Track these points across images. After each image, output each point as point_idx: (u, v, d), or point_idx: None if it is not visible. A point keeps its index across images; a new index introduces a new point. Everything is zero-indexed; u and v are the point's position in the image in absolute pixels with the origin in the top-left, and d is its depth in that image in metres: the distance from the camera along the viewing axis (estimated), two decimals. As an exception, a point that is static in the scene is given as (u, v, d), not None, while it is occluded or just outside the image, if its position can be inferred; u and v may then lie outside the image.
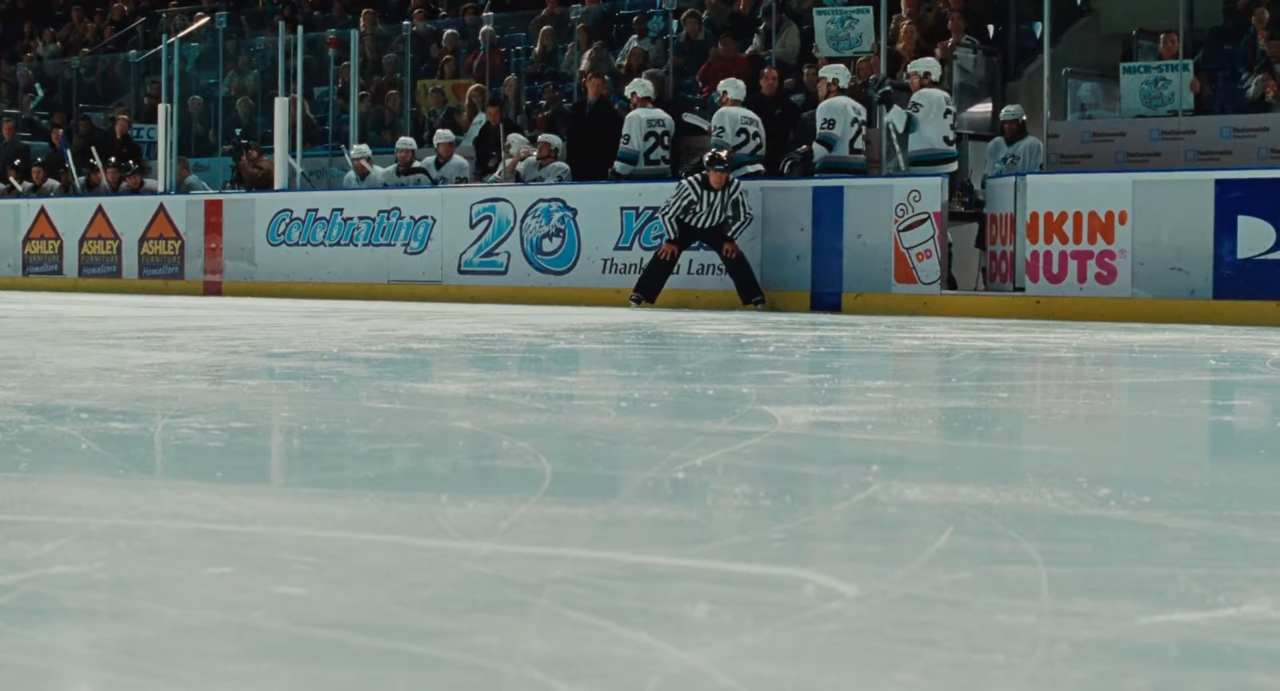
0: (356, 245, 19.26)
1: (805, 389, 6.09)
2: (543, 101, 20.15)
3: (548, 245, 16.88)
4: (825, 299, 15.54)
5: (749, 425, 4.44)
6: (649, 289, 15.39)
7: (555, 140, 18.09)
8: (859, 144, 16.08)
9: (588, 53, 20.46)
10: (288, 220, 20.02)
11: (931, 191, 15.10)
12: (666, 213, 15.37)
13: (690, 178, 15.43)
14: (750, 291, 15.24)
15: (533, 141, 18.59)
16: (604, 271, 16.41)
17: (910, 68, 16.24)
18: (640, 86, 17.10)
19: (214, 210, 20.56)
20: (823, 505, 2.91)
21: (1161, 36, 16.29)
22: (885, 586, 2.13)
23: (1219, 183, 13.32)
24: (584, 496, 3.04)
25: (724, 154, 15.43)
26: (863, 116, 16.18)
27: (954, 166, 15.94)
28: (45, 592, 1.99)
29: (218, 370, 6.46)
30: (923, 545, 2.48)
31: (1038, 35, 18.15)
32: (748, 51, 19.40)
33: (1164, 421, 5.00)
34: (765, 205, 16.00)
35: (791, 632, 1.85)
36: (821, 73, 16.30)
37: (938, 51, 17.77)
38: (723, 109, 16.64)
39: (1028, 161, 16.07)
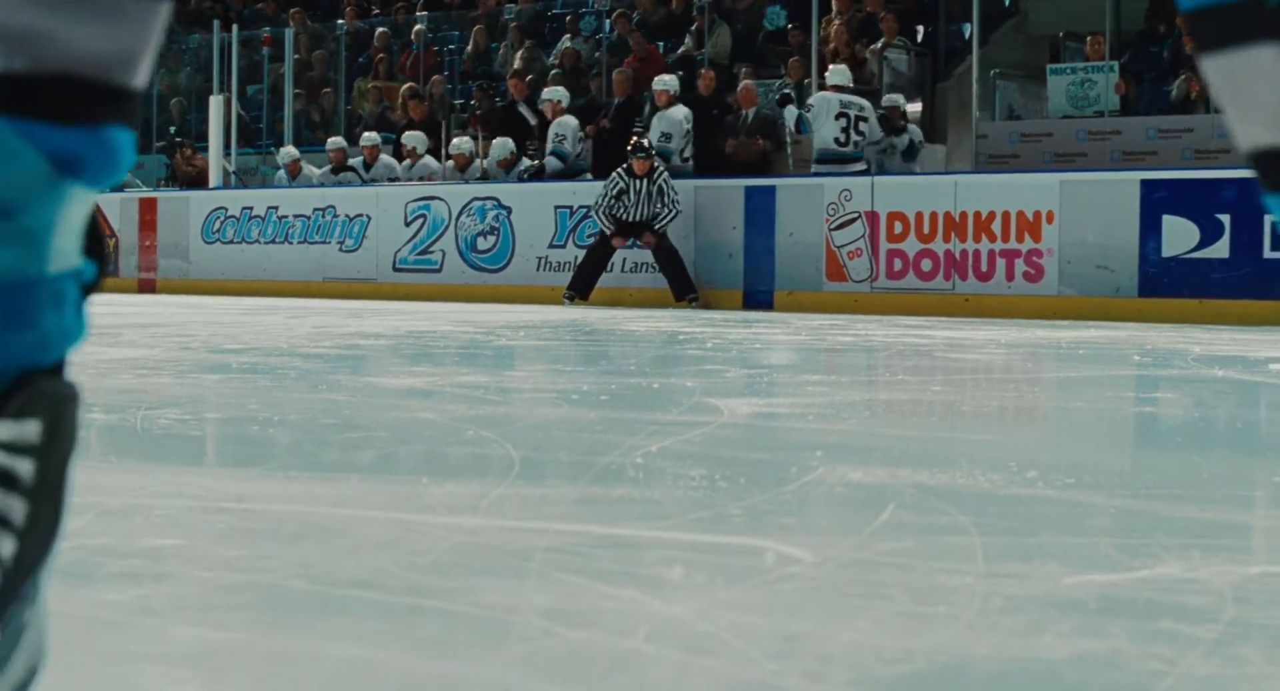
0: (291, 243, 19.36)
1: (745, 382, 6.33)
2: (474, 101, 20.33)
3: (482, 243, 17.06)
4: (757, 297, 15.79)
5: (696, 416, 4.68)
6: (582, 285, 15.62)
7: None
8: (688, 152, 16.60)
9: (520, 52, 20.67)
10: (222, 218, 20.10)
11: (862, 191, 15.37)
12: (598, 208, 15.62)
13: (617, 169, 15.73)
14: (683, 289, 15.49)
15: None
16: (538, 269, 16.61)
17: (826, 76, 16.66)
18: (555, 93, 17.37)
19: (148, 208, 20.59)
20: (774, 485, 3.15)
21: (1088, 38, 16.61)
22: (837, 553, 2.38)
23: (1144, 183, 13.64)
24: (553, 478, 3.28)
25: (645, 142, 15.72)
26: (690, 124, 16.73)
27: (860, 165, 16.21)
28: (89, 560, 2.21)
29: (176, 365, 6.65)
30: (868, 519, 2.73)
31: (967, 36, 18.42)
32: (680, 51, 19.64)
33: (1089, 412, 5.27)
34: (697, 203, 16.23)
35: (758, 590, 2.09)
36: (656, 85, 16.79)
37: (869, 52, 18.08)
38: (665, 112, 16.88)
39: (905, 152, 16.37)
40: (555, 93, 17.37)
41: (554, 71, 19.88)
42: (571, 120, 17.24)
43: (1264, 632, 1.87)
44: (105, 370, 6.05)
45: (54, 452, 1.00)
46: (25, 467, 0.98)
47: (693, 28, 19.86)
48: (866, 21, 18.57)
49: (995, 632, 1.87)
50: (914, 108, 19.75)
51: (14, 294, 0.97)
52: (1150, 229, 13.51)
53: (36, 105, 0.93)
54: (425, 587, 2.07)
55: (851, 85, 16.73)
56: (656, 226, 15.49)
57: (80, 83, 0.95)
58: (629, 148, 15.69)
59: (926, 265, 15.14)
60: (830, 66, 16.81)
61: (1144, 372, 7.50)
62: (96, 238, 1.04)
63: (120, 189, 21.42)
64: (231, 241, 19.98)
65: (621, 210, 15.53)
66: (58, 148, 0.95)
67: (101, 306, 13.99)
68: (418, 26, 22.76)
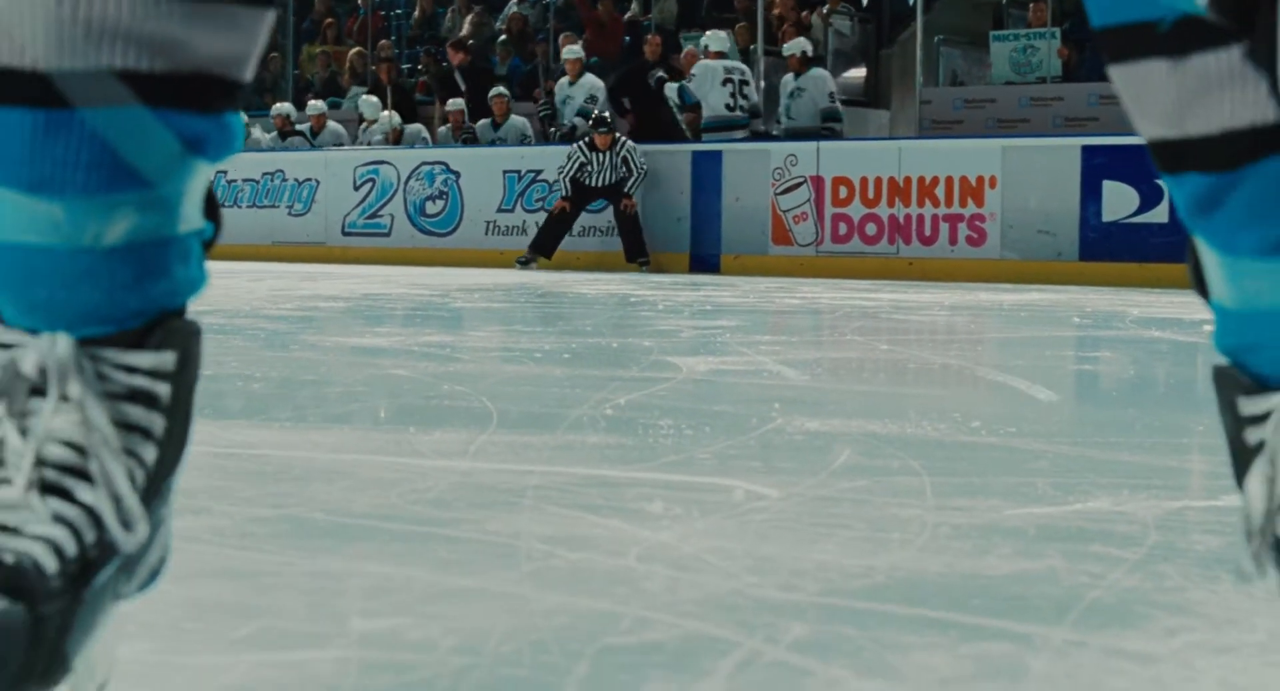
0: (240, 207, 19.44)
1: (700, 342, 6.57)
2: (420, 66, 20.45)
3: (431, 207, 17.22)
4: (704, 260, 16.01)
5: (657, 372, 4.91)
6: (545, 246, 15.84)
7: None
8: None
9: (468, 17, 20.80)
10: (171, 183, 20.15)
11: (808, 157, 15.60)
12: (564, 173, 15.88)
13: (577, 143, 15.95)
14: (636, 252, 15.73)
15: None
16: (486, 233, 16.78)
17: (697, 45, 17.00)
18: (572, 52, 17.52)
19: (100, 173, 20.59)
20: (738, 434, 3.38)
21: (1031, 5, 16.84)
22: (800, 490, 2.61)
23: (1085, 149, 13.91)
24: (531, 428, 3.50)
25: (605, 115, 15.96)
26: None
27: (743, 131, 16.47)
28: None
29: (146, 326, 6.82)
30: (826, 462, 2.96)
31: (911, 3, 18.63)
32: (627, 16, 19.83)
33: (1030, 369, 5.52)
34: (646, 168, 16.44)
35: (731, 521, 2.33)
36: (566, 54, 17.10)
37: (814, 17, 18.30)
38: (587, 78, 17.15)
39: (815, 92, 16.54)
40: (572, 52, 17.49)
41: (501, 38, 20.05)
42: (597, 80, 17.38)
43: (1183, 554, 2.11)
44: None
45: (185, 378, 1.22)
46: (163, 390, 1.19)
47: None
48: (813, -18, 18.76)
49: (945, 554, 2.10)
50: (858, 73, 20.00)
51: (153, 250, 1.18)
52: (1091, 194, 13.77)
53: (173, 97, 1.15)
54: (433, 519, 2.29)
55: (725, 52, 16.97)
56: (627, 190, 15.72)
57: (206, 79, 1.17)
58: (590, 123, 15.92)
59: (871, 229, 15.36)
60: (707, 35, 17.09)
61: (1084, 334, 7.75)
62: (212, 204, 1.26)
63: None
64: (180, 206, 20.02)
65: (586, 178, 15.77)
66: (188, 131, 1.17)
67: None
68: (366, -9, 22.82)
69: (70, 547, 1.11)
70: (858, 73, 20.18)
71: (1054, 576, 1.97)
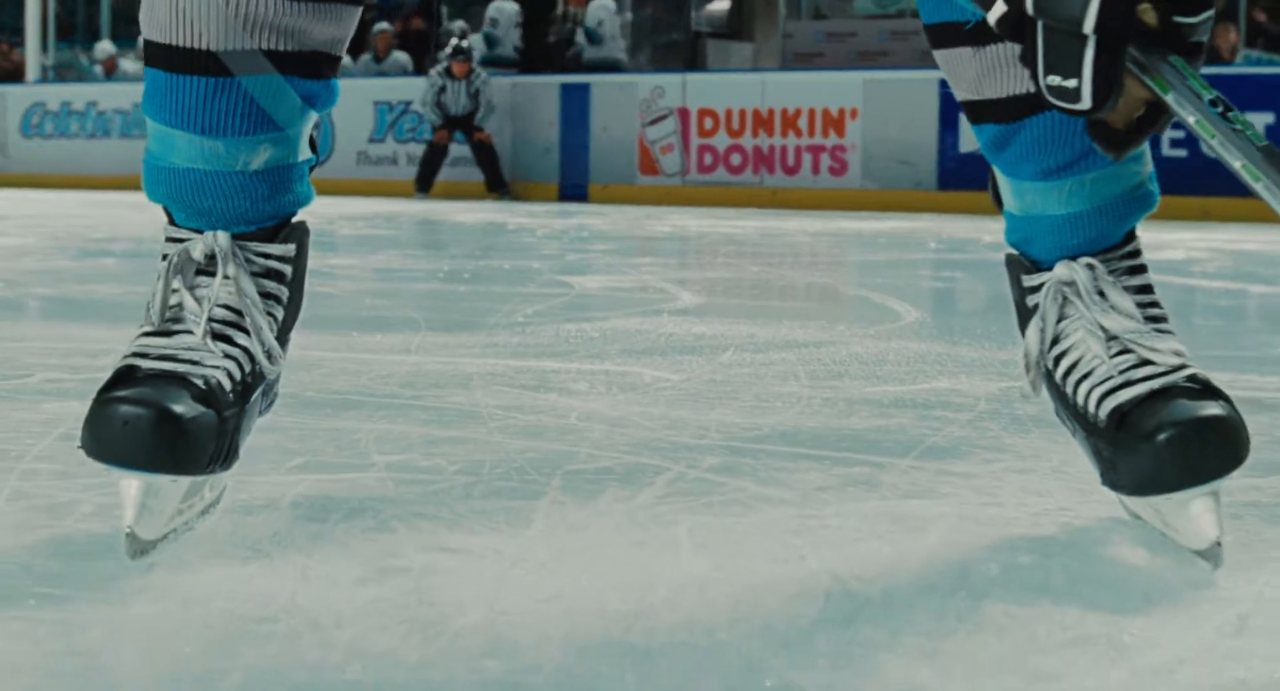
0: (112, 138, 19.64)
1: (585, 263, 7.12)
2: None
3: (303, 138, 17.57)
4: (573, 190, 16.51)
5: (553, 289, 5.47)
6: (424, 178, 16.31)
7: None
8: (518, 43, 17.43)
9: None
10: (41, 113, 20.28)
11: (674, 88, 16.12)
12: (425, 104, 16.30)
13: (435, 69, 16.42)
14: (495, 182, 16.22)
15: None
16: (357, 163, 17.16)
17: None
18: None
19: (-35, 104, 20.66)
20: (639, 336, 3.94)
21: (893, -62, 17.38)
22: (697, 375, 3.18)
23: (944, 82, 14.39)
24: (458, 331, 4.04)
25: (465, 44, 16.43)
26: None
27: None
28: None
29: (63, 251, 7.29)
30: (716, 355, 3.53)
31: (775, -64, 19.13)
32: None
33: (888, 287, 6.13)
34: (515, 100, 16.86)
35: (645, 396, 2.89)
36: None
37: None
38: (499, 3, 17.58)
39: (593, 16, 17.11)
40: None
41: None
42: (510, 6, 17.78)
43: (1003, 417, 2.70)
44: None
45: (301, 262, 1.76)
46: (288, 269, 1.73)
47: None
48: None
49: (818, 416, 2.68)
50: (722, 5, 20.49)
51: (282, 173, 1.71)
52: (949, 126, 14.37)
53: (298, 68, 1.67)
54: (403, 394, 2.83)
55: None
56: (476, 122, 16.18)
57: (319, 55, 1.69)
58: (450, 51, 16.37)
59: (736, 160, 15.88)
60: None
61: (939, 257, 8.38)
62: (312, 141, 1.79)
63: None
64: (51, 136, 20.17)
65: (445, 108, 16.22)
66: (306, 91, 1.70)
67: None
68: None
69: (237, 373, 1.65)
70: (722, 5, 20.62)
71: (903, 430, 2.55)
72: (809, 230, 10.63)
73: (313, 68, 1.70)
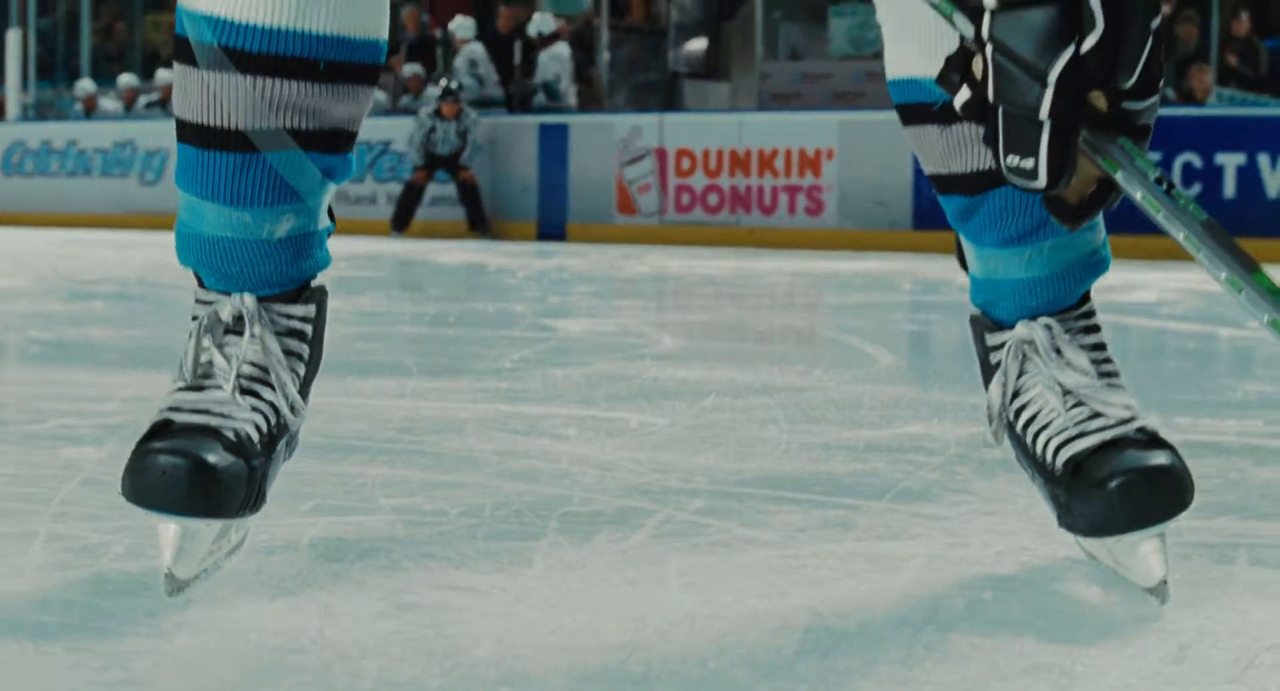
0: (91, 176, 19.73)
1: (568, 306, 7.27)
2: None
3: (283, 177, 17.69)
4: (551, 229, 16.66)
5: (537, 332, 5.62)
6: (402, 217, 16.47)
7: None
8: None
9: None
10: (21, 152, 20.38)
11: (651, 129, 16.29)
12: (412, 143, 16.50)
13: (425, 110, 16.59)
14: (477, 221, 16.39)
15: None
16: (336, 202, 17.25)
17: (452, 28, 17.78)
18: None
19: (-54, 142, 20.68)
20: (623, 381, 4.09)
21: (866, -18, 17.57)
22: (681, 420, 3.33)
23: (916, 125, 14.72)
24: (448, 376, 4.19)
25: (454, 85, 16.60)
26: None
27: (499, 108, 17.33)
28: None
29: (53, 293, 7.42)
30: (697, 401, 3.68)
31: (744, -24, 19.32)
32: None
33: (864, 330, 6.28)
34: (495, 139, 17.03)
35: (633, 440, 3.03)
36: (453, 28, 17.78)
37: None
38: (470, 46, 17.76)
39: (549, 68, 17.31)
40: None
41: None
42: (479, 48, 17.94)
43: (972, 461, 2.84)
44: None
45: (320, 321, 1.91)
46: (308, 328, 1.88)
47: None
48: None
49: (796, 460, 2.83)
50: (699, 44, 20.68)
51: (304, 240, 1.86)
52: (923, 167, 14.52)
53: (319, 144, 1.82)
54: (402, 440, 2.97)
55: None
56: (462, 162, 16.35)
57: (338, 132, 1.84)
58: (439, 91, 16.55)
59: (713, 200, 16.03)
60: (455, 23, 17.84)
61: (913, 299, 8.55)
62: (329, 210, 1.94)
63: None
64: (32, 175, 20.25)
65: (432, 147, 16.39)
66: (326, 165, 1.84)
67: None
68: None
69: (263, 426, 1.79)
70: (699, 45, 20.80)
71: (877, 474, 2.70)
72: (785, 271, 10.79)
73: (332, 143, 1.84)
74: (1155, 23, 1.60)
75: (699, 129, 16.38)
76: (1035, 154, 1.57)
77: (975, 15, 1.61)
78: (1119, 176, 1.60)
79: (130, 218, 18.72)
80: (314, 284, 1.91)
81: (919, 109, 1.89)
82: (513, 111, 17.60)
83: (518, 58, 18.09)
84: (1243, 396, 4.20)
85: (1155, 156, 13.73)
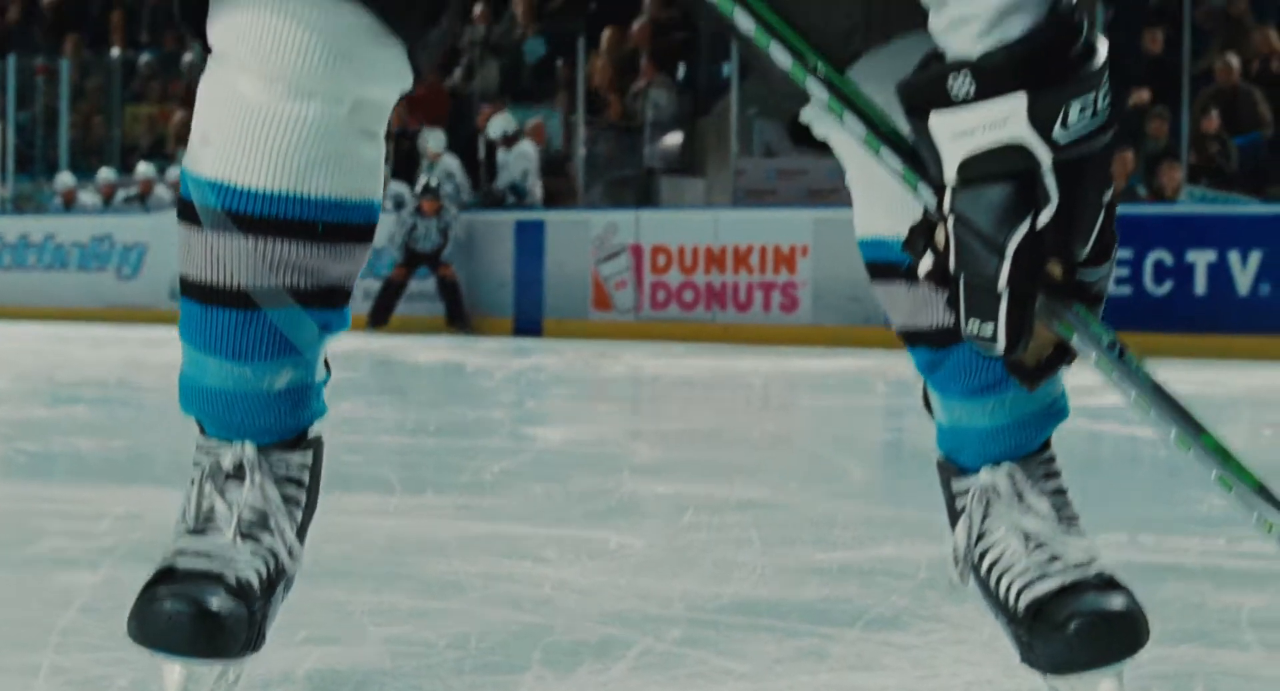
0: (69, 270, 19.78)
1: (546, 411, 7.37)
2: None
3: (262, 272, 17.76)
4: (528, 325, 16.75)
5: (516, 443, 5.71)
6: (380, 313, 16.56)
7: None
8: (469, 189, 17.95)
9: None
10: (-1, 245, 20.43)
11: (627, 225, 16.42)
12: (393, 242, 16.63)
13: (405, 209, 16.74)
14: (456, 316, 16.49)
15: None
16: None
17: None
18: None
19: (-75, 235, 20.68)
20: (601, 497, 4.18)
21: (842, 80, 17.74)
22: (659, 541, 3.42)
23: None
24: (430, 492, 4.28)
25: (434, 183, 16.76)
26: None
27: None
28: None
29: (36, 396, 7.50)
30: (674, 519, 3.77)
31: (726, 75, 19.50)
32: (447, 84, 20.49)
33: (838, 438, 6.38)
34: (471, 236, 17.15)
35: (612, 563, 3.12)
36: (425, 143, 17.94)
37: (632, 87, 19.15)
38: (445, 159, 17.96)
39: (515, 167, 17.48)
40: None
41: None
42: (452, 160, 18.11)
43: (942, 584, 2.91)
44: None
45: (317, 468, 2.00)
46: (306, 475, 1.97)
47: (463, 61, 20.58)
48: (630, 57, 19.47)
49: (773, 585, 2.91)
50: (675, 139, 20.84)
51: (302, 391, 1.96)
52: (900, 261, 14.63)
53: (316, 301, 1.92)
54: (389, 562, 3.06)
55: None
56: (443, 259, 16.47)
57: (335, 289, 1.94)
58: (419, 190, 16.71)
59: (689, 296, 16.13)
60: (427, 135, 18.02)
61: (887, 402, 8.65)
62: (325, 361, 2.03)
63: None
64: (9, 268, 20.29)
65: (414, 244, 16.52)
66: (323, 320, 1.94)
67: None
68: (188, 56, 23.09)
69: (263, 570, 1.88)
70: (674, 140, 20.94)
71: (849, 600, 2.79)
72: (760, 371, 10.90)
73: (329, 299, 1.94)
74: (1108, 196, 1.71)
75: (675, 225, 16.50)
76: (994, 320, 1.67)
77: (938, 188, 1.72)
78: (1074, 341, 1.70)
79: (108, 311, 18.75)
80: (311, 433, 2.00)
81: (886, 267, 2.00)
82: (488, 208, 17.74)
83: (482, 153, 18.27)
84: (1208, 510, 4.29)
85: (1127, 254, 13.93)
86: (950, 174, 1.69)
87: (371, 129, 1.93)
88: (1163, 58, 16.30)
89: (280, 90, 1.85)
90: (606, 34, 19.06)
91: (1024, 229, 1.65)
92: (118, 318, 18.37)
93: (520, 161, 17.65)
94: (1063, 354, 1.74)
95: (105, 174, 20.81)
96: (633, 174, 20.40)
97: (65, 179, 21.17)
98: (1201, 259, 13.94)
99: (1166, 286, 13.88)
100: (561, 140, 19.26)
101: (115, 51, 24.53)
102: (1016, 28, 1.65)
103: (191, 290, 1.93)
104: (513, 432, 6.09)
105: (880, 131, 1.79)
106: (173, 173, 20.31)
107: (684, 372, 10.77)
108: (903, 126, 1.76)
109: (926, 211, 1.75)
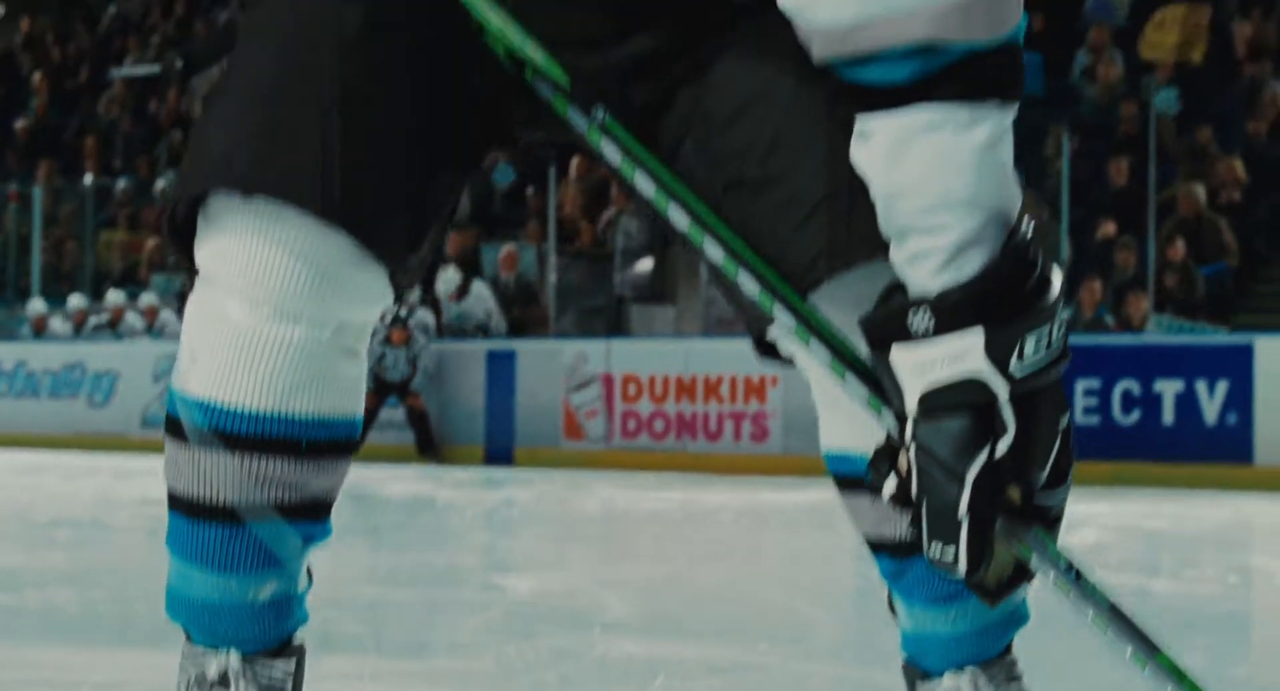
0: (40, 397, 19.75)
1: (516, 557, 7.41)
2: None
3: (231, 401, 17.76)
4: (499, 453, 16.77)
5: (487, 594, 5.75)
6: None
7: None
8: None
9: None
10: (-31, 372, 20.39)
11: (598, 355, 16.50)
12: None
13: (375, 339, 16.77)
14: (425, 446, 16.52)
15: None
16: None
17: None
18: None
19: (-106, 360, 20.62)
20: (573, 659, 4.22)
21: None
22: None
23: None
24: (404, 655, 4.32)
25: (402, 313, 16.82)
26: None
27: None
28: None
29: (10, 540, 7.51)
30: (646, 683, 3.81)
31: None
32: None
33: (810, 585, 6.42)
34: (442, 365, 17.20)
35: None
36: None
37: (603, 216, 19.29)
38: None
39: (476, 309, 17.59)
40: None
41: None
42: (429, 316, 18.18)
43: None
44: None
45: (299, 673, 2.06)
46: (289, 684, 2.03)
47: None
48: (600, 184, 19.61)
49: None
50: (646, 265, 20.95)
51: (285, 602, 2.02)
52: (864, 392, 14.72)
53: (299, 514, 1.99)
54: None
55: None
56: (411, 388, 16.52)
57: (317, 503, 2.01)
58: (389, 320, 16.76)
59: (659, 426, 16.17)
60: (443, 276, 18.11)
61: (855, 542, 8.67)
62: (308, 570, 2.09)
63: None
64: (-22, 395, 20.22)
65: (383, 374, 16.56)
66: (306, 532, 2.01)
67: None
68: (160, 183, 23.18)
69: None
70: (645, 265, 21.03)
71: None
72: (730, 506, 10.93)
73: (312, 512, 2.01)
74: (1064, 422, 1.79)
75: (646, 356, 16.57)
76: (956, 544, 1.74)
77: (900, 417, 1.80)
78: (1033, 562, 1.77)
79: (79, 438, 18.70)
80: (295, 641, 2.06)
81: (851, 480, 2.07)
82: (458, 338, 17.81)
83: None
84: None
85: (1095, 383, 14.03)
86: (911, 405, 1.77)
87: (354, 348, 2.01)
88: (1128, 188, 16.48)
89: (266, 313, 1.92)
90: (576, 162, 19.20)
91: (983, 458, 1.73)
92: (89, 445, 18.33)
93: (479, 303, 17.78)
94: (1023, 574, 1.82)
95: (76, 301, 20.84)
96: (604, 303, 20.50)
97: (37, 306, 21.18)
98: (1169, 389, 14.03)
99: (1134, 415, 13.98)
100: (536, 269, 19.35)
101: (89, 178, 24.63)
102: (973, 264, 1.73)
103: (179, 504, 1.99)
104: (484, 583, 6.14)
105: (845, 359, 1.86)
106: (145, 299, 20.38)
107: (654, 506, 10.81)
108: (865, 352, 1.84)
109: (890, 436, 1.82)
